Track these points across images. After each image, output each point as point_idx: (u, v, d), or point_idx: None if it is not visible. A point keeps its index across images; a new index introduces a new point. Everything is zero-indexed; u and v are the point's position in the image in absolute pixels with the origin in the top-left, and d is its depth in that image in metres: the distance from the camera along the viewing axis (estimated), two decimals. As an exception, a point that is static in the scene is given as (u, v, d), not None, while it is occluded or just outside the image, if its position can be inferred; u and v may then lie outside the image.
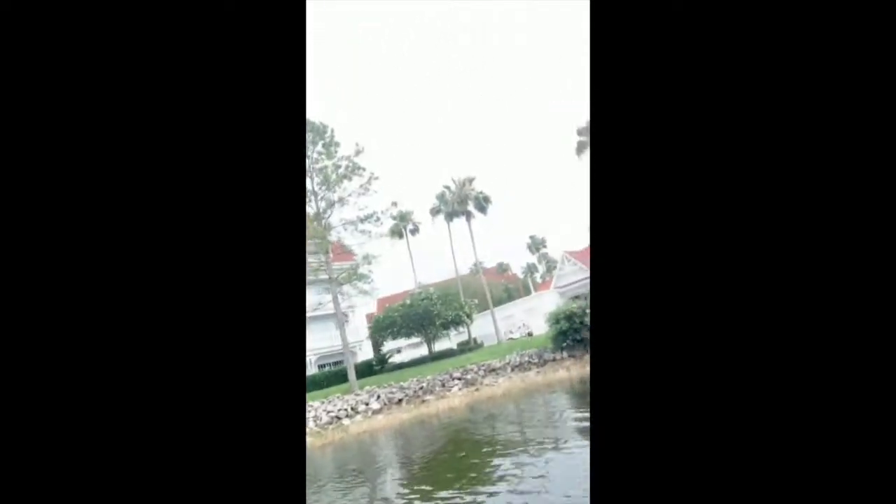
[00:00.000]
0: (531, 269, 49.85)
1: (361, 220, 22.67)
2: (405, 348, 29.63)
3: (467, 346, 26.21)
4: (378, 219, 22.80)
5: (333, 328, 26.25)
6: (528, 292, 36.62)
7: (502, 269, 50.57)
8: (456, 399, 15.43)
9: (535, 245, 48.11)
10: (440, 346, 27.00)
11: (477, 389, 16.63)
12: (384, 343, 27.24)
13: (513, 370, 17.92)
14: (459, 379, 17.95)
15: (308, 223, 20.69)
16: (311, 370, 24.51)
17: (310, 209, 21.17)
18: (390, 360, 26.30)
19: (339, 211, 21.93)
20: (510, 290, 42.39)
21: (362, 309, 28.48)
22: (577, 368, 15.43)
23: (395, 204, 23.18)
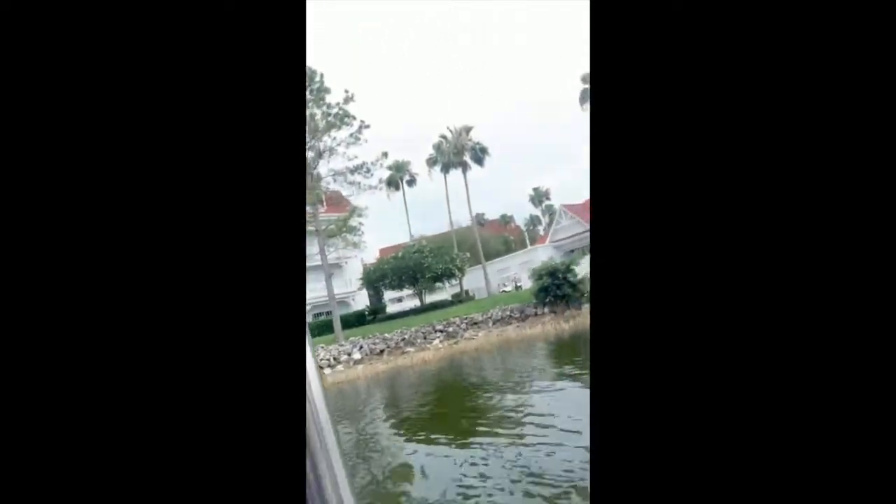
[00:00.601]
0: (534, 221, 49.32)
1: (351, 171, 22.32)
2: (406, 298, 30.13)
3: (458, 299, 26.52)
4: (368, 170, 22.43)
5: (334, 277, 26.78)
6: (525, 246, 36.44)
7: (505, 221, 50.11)
8: (430, 353, 15.74)
9: (539, 197, 47.26)
10: (438, 297, 27.44)
11: (456, 342, 16.93)
12: (383, 293, 27.80)
13: (494, 324, 18.11)
14: (442, 331, 18.26)
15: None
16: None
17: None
18: (388, 310, 26.87)
19: (327, 162, 21.60)
20: (509, 242, 42.21)
21: (355, 261, 28.68)
22: (553, 324, 15.49)
23: (385, 154, 22.64)
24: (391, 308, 27.94)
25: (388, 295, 29.06)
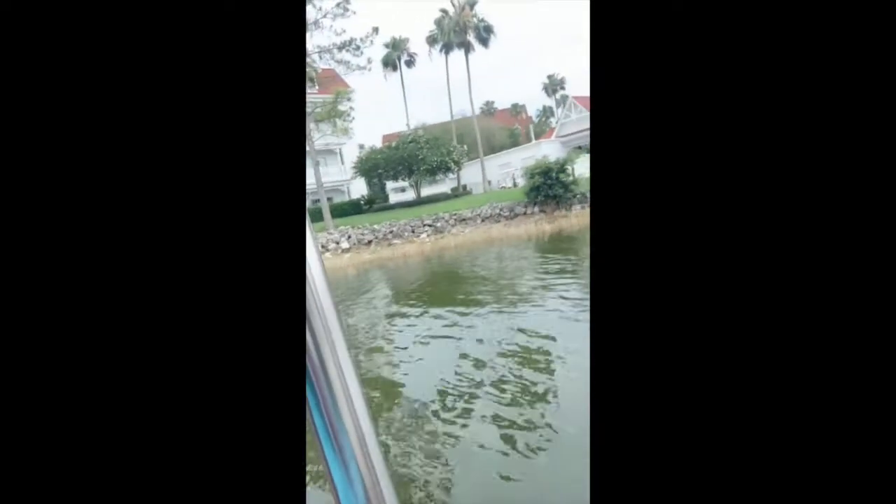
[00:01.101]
0: (546, 112, 46.47)
1: (339, 48, 20.35)
2: (409, 188, 29.68)
3: (455, 194, 26.06)
4: (358, 47, 20.40)
5: (328, 165, 26.12)
6: (532, 140, 34.69)
7: (516, 111, 47.22)
8: (415, 246, 15.83)
9: (553, 86, 43.76)
10: (437, 189, 26.93)
11: (442, 237, 16.94)
12: (384, 183, 27.25)
13: (482, 221, 17.93)
14: (430, 226, 18.19)
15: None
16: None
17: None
18: (390, 200, 26.56)
19: (311, 36, 19.54)
20: (517, 135, 40.23)
21: (352, 147, 27.65)
22: (538, 226, 15.26)
23: (376, 30, 20.41)
24: (394, 198, 27.62)
25: (392, 185, 28.59)
